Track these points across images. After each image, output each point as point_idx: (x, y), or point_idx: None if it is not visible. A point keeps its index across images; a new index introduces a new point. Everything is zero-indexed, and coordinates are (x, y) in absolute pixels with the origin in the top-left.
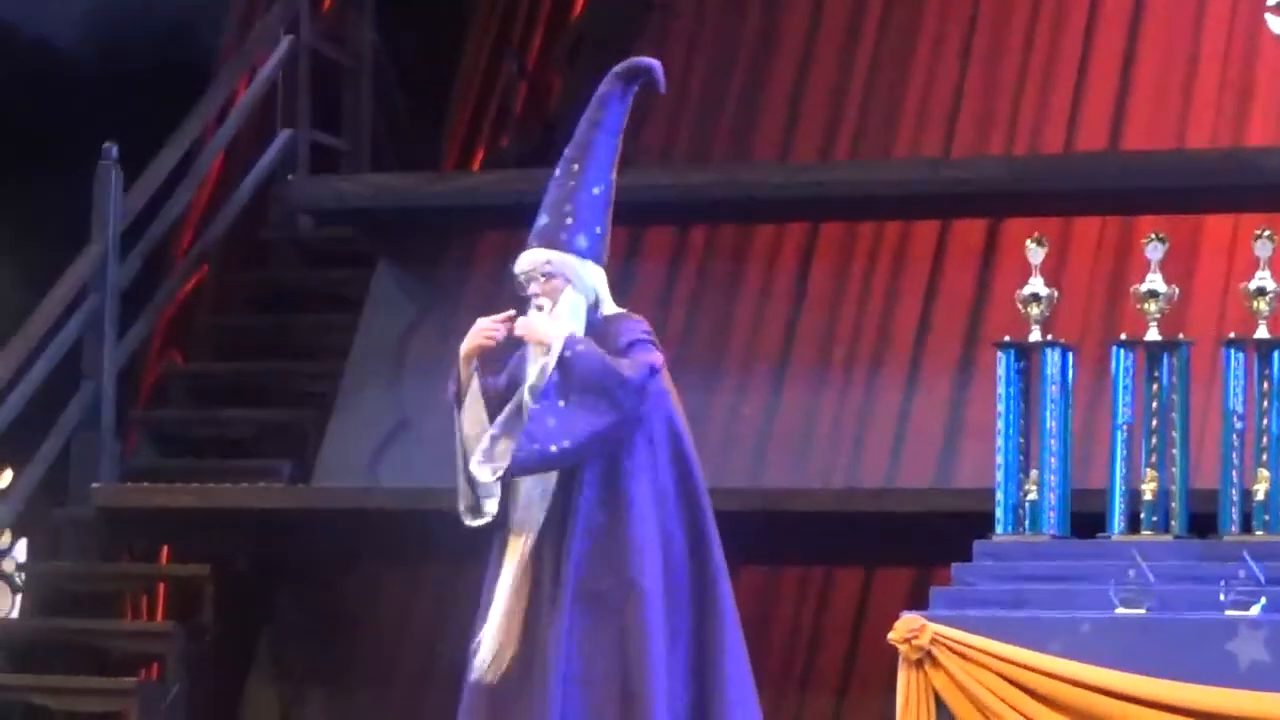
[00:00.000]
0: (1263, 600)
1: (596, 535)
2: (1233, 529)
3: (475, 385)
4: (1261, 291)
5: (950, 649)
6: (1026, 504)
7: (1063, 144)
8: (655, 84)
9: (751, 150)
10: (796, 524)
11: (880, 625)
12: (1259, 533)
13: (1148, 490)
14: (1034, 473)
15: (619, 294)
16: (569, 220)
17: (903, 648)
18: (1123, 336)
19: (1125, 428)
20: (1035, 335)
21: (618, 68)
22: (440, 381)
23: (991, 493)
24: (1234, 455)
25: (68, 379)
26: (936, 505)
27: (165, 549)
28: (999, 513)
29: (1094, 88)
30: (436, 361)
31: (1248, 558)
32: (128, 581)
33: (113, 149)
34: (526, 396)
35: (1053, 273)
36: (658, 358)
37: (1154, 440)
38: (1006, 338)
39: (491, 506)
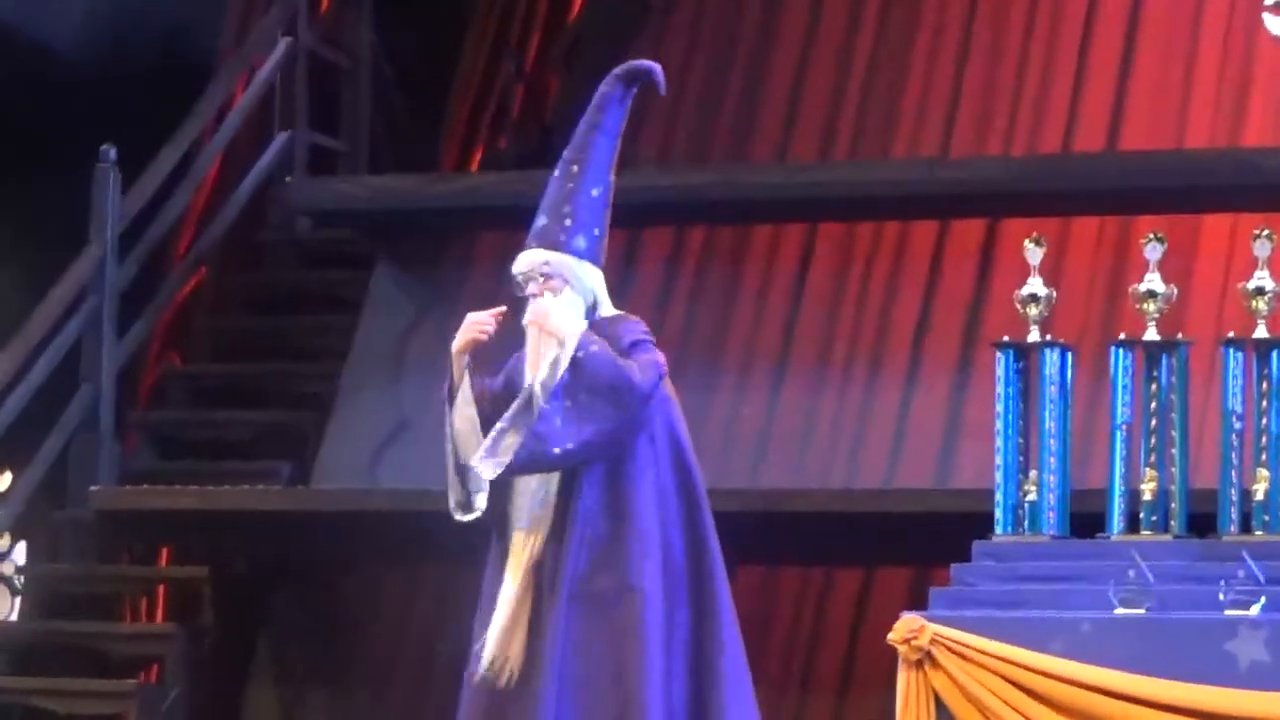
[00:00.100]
0: (1262, 600)
1: (597, 537)
2: (1232, 529)
3: (467, 382)
4: (1260, 291)
5: (950, 649)
6: (1026, 504)
7: (1061, 144)
8: (655, 86)
9: (750, 151)
10: (795, 524)
11: (879, 626)
12: (1258, 532)
13: (1147, 490)
14: (1033, 473)
15: (617, 295)
16: (567, 221)
17: (902, 648)
18: (1121, 336)
19: (1124, 428)
20: (1034, 335)
21: (618, 69)
22: (439, 383)
23: (991, 493)
24: (1233, 455)
25: (66, 381)
26: (935, 505)
27: (164, 551)
28: (998, 513)
29: (1092, 88)
30: (435, 363)
31: (1247, 557)
32: (127, 584)
33: (111, 151)
34: (538, 389)
35: (1051, 273)
36: (663, 360)
37: (1153, 440)
38: (1005, 338)
39: (481, 501)
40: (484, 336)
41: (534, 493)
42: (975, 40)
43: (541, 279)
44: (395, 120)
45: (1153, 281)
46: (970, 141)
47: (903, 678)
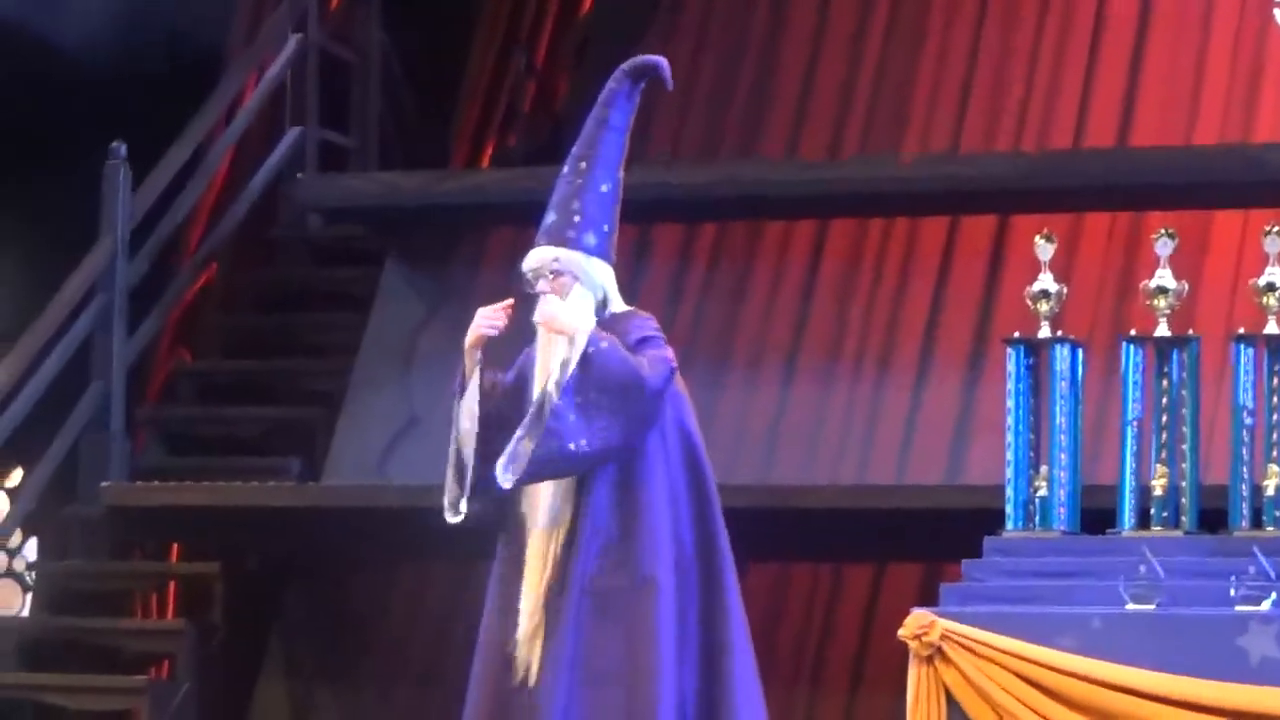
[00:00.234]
0: (1273, 595)
1: (608, 534)
2: (1243, 524)
3: (475, 379)
4: (1271, 287)
5: (960, 645)
6: (1036, 500)
7: (1071, 140)
8: (662, 81)
9: (759, 147)
10: (806, 521)
11: (890, 622)
12: (1269, 528)
13: (1158, 486)
14: (1044, 469)
15: (628, 292)
16: (577, 218)
17: (913, 644)
18: (1132, 332)
19: (1135, 423)
20: (1045, 331)
21: (625, 65)
22: (449, 379)
23: (1001, 489)
24: (1244, 451)
25: (77, 378)
26: (946, 502)
27: (175, 547)
28: (1009, 509)
29: (1103, 84)
30: (446, 359)
31: (1258, 553)
32: (137, 580)
33: (121, 148)
34: (551, 388)
35: (1062, 269)
36: (672, 355)
37: (1164, 436)
38: (1016, 334)
39: (465, 506)
40: (494, 331)
41: (554, 492)
42: (985, 36)
43: (551, 276)
44: (405, 117)
45: (1163, 277)
46: (980, 138)
47: (913, 673)
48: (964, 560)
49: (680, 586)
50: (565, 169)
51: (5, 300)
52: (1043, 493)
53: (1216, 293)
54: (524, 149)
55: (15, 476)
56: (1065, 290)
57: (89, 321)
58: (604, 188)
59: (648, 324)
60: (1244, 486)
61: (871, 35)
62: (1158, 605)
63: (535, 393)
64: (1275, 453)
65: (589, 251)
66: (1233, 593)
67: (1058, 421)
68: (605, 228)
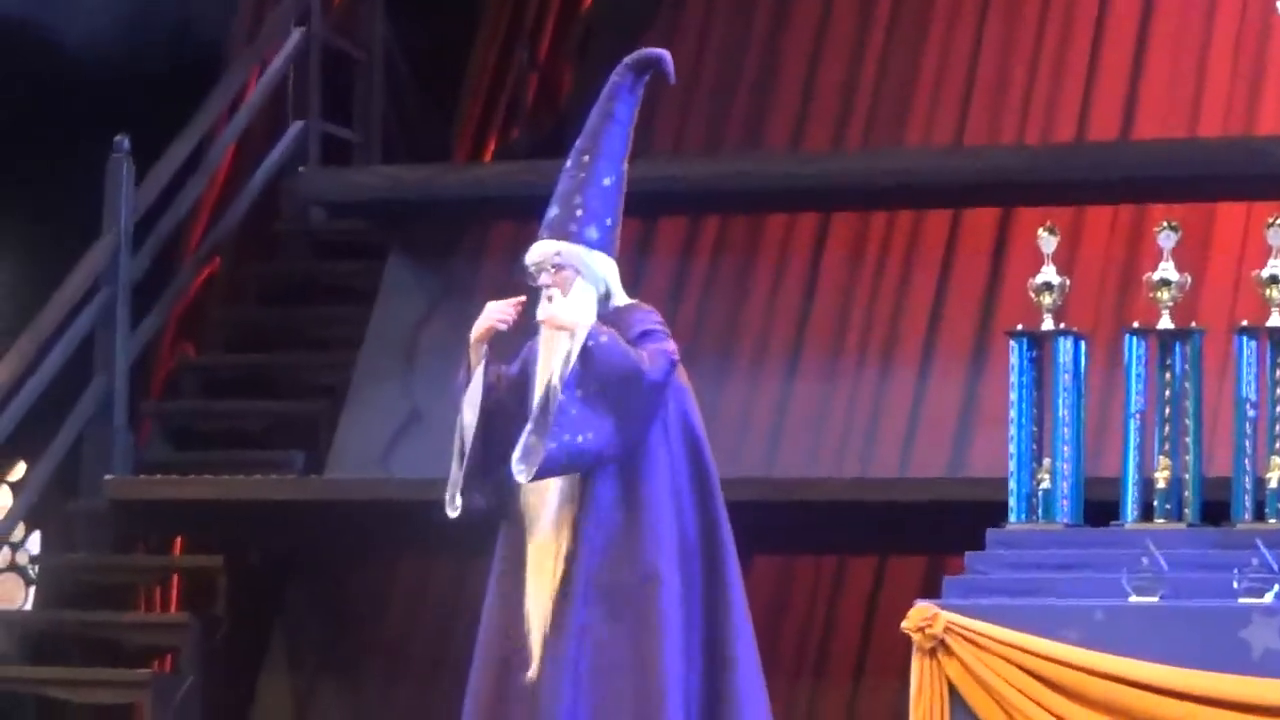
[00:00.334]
0: (1276, 588)
1: (612, 528)
2: (1246, 517)
3: (480, 372)
4: (1274, 279)
5: (964, 637)
6: (1039, 492)
7: (1075, 133)
8: (665, 75)
9: (763, 140)
10: (809, 513)
11: (893, 614)
12: (1272, 520)
13: (1161, 478)
14: (1047, 461)
15: (631, 285)
16: (579, 212)
17: (916, 636)
18: (1135, 325)
19: (1138, 416)
20: (1048, 324)
21: (628, 58)
22: (453, 372)
23: (1004, 481)
24: (1247, 443)
25: (80, 372)
26: (949, 494)
27: (178, 541)
28: (1012, 501)
29: (1106, 76)
30: (449, 352)
31: (1261, 545)
32: (141, 573)
33: (124, 141)
34: (556, 383)
35: (1065, 261)
36: (674, 349)
37: (1167, 428)
38: (1019, 326)
39: (458, 500)
40: (503, 326)
41: (557, 487)
42: (989, 28)
43: (553, 269)
44: (408, 111)
45: (1166, 270)
46: (984, 130)
47: (916, 666)
48: (967, 553)
49: (684, 580)
50: (568, 163)
51: (8, 296)
52: (1046, 485)
53: (1219, 285)
54: (527, 143)
55: (19, 470)
56: (1068, 283)
57: (92, 316)
58: (607, 181)
59: (650, 317)
60: (1247, 479)
61: (875, 27)
62: (1160, 598)
63: (538, 388)
64: (1278, 445)
65: (591, 245)
66: (1235, 585)
67: (1060, 414)
68: (608, 221)
